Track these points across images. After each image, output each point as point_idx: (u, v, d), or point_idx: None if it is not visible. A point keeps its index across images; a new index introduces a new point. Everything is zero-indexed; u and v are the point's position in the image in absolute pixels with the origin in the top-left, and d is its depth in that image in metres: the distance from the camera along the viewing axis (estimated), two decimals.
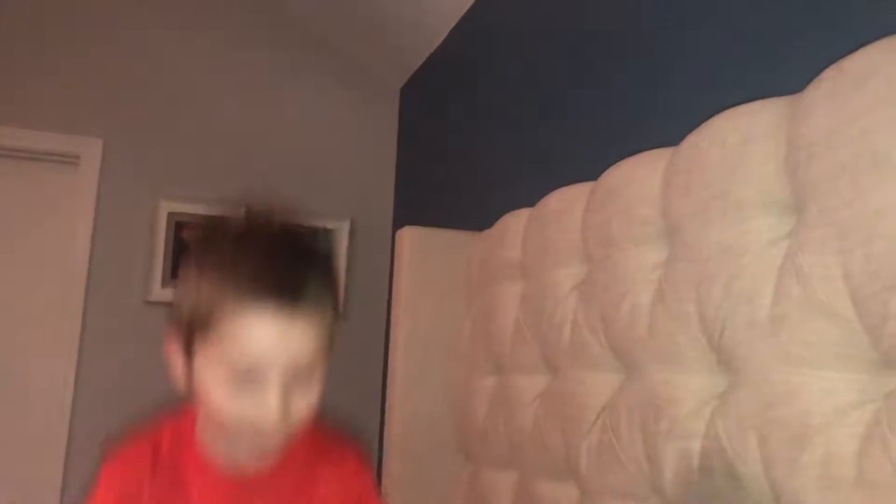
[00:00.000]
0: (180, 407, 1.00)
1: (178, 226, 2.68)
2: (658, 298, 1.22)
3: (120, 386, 2.61)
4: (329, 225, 2.82)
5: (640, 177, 1.30)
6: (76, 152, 2.67)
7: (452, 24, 2.59)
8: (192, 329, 0.87)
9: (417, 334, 1.95)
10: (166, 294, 2.65)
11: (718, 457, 1.07)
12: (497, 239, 1.78)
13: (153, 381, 2.62)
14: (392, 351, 1.99)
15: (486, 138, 2.29)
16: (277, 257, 0.86)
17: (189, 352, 0.89)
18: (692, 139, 1.19)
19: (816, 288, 0.94)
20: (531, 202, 1.65)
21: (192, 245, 0.94)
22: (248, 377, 0.85)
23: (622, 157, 1.37)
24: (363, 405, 2.68)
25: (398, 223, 2.66)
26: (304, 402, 0.88)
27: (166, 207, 2.68)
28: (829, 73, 0.97)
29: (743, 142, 1.09)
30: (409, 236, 1.97)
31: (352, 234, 2.84)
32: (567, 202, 1.52)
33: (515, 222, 1.72)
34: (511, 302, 1.67)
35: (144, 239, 2.68)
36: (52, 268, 2.65)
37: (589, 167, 1.48)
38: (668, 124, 1.41)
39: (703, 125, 1.17)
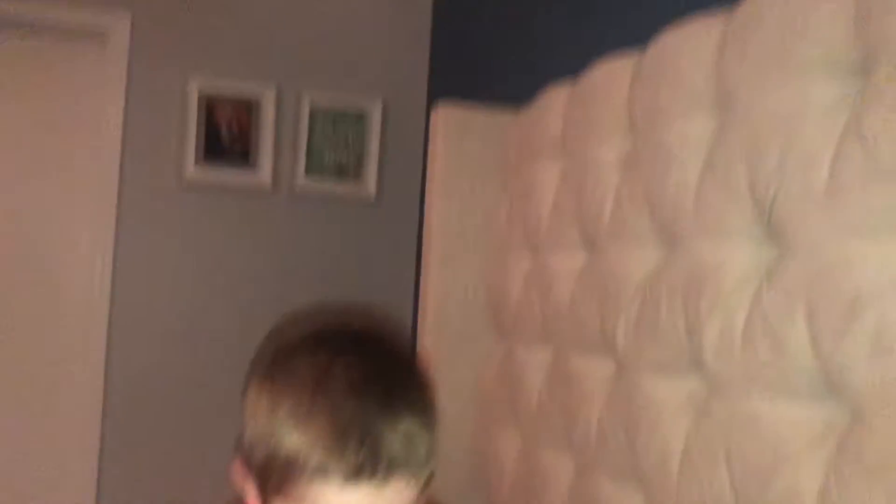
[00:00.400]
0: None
1: (210, 104, 2.64)
2: (706, 170, 1.18)
3: (156, 266, 2.64)
4: (360, 105, 2.76)
5: (692, 43, 1.24)
6: (103, 28, 2.62)
7: None
8: (267, 476, 0.78)
9: (452, 216, 1.93)
10: (200, 173, 2.64)
11: (763, 329, 1.05)
12: (537, 116, 1.73)
13: (188, 259, 2.65)
14: (426, 233, 1.97)
15: (525, 6, 2.19)
16: (368, 414, 0.75)
17: (263, 492, 0.80)
18: None
19: (882, 152, 0.89)
20: (574, 73, 1.59)
21: (265, 366, 0.81)
22: None
23: (672, 22, 1.29)
24: (396, 287, 2.70)
25: (433, 102, 2.60)
26: None
27: (197, 85, 2.63)
28: None
29: None
30: (445, 115, 1.92)
31: (384, 114, 2.79)
32: (613, 74, 1.45)
33: (556, 98, 1.66)
34: (550, 180, 1.64)
35: (176, 118, 2.65)
36: (83, 150, 2.64)
37: (636, 34, 1.41)
38: None
39: None
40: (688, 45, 1.24)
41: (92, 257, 2.60)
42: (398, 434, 0.75)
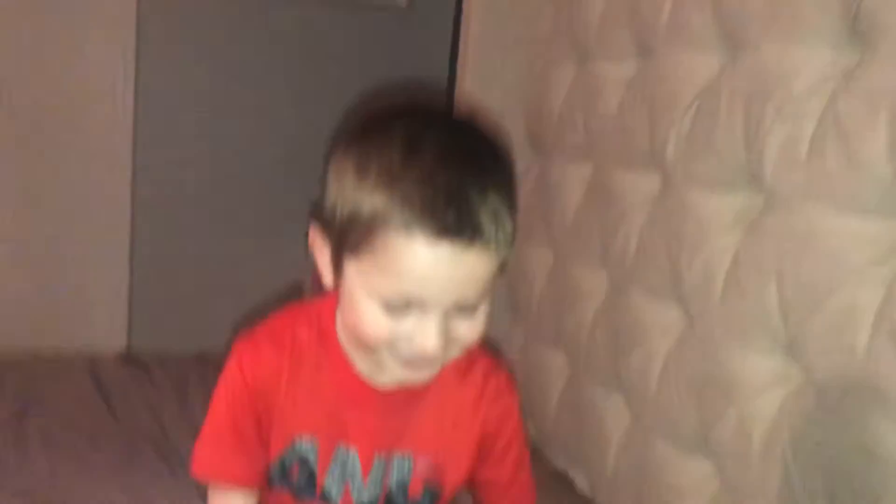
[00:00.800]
0: (318, 298, 0.89)
1: None
2: None
3: (179, 62, 2.53)
4: None
5: None
6: None
7: None
8: (347, 235, 0.75)
9: (491, 24, 1.81)
10: None
11: (835, 140, 0.96)
12: None
13: (210, 59, 2.54)
14: (462, 44, 1.86)
15: None
16: (458, 181, 0.72)
17: (339, 254, 0.77)
18: None
19: None
20: None
21: (354, 133, 0.78)
22: (405, 304, 0.74)
23: None
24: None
25: None
26: (466, 333, 0.77)
27: None
28: None
29: None
30: None
31: None
32: None
33: None
34: None
35: None
36: None
37: None
38: None
39: None
40: None
41: (111, 46, 2.47)
42: (487, 206, 0.73)
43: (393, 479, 0.90)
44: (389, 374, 0.83)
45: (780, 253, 1.03)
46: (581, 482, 1.49)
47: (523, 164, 1.77)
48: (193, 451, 0.90)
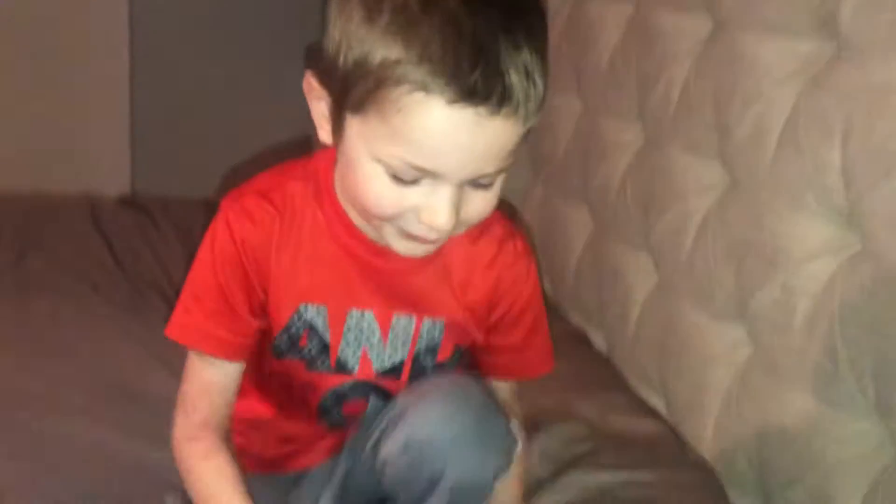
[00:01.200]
0: (315, 154, 0.79)
1: None
2: None
3: None
4: None
5: None
6: None
7: None
8: (351, 88, 0.63)
9: None
10: None
11: None
12: None
13: None
14: None
15: None
16: (488, 29, 0.61)
17: (340, 109, 0.66)
18: None
19: None
20: None
21: None
22: (414, 173, 0.64)
23: None
24: None
25: None
26: (478, 208, 0.68)
27: None
28: None
29: None
30: None
31: None
32: None
33: None
34: None
35: None
36: None
37: None
38: None
39: None
40: None
41: None
42: (519, 64, 0.62)
43: (422, 343, 0.84)
44: (387, 245, 0.75)
45: (849, 109, 0.92)
46: (599, 342, 1.44)
47: (553, 3, 1.62)
48: (172, 312, 0.82)
